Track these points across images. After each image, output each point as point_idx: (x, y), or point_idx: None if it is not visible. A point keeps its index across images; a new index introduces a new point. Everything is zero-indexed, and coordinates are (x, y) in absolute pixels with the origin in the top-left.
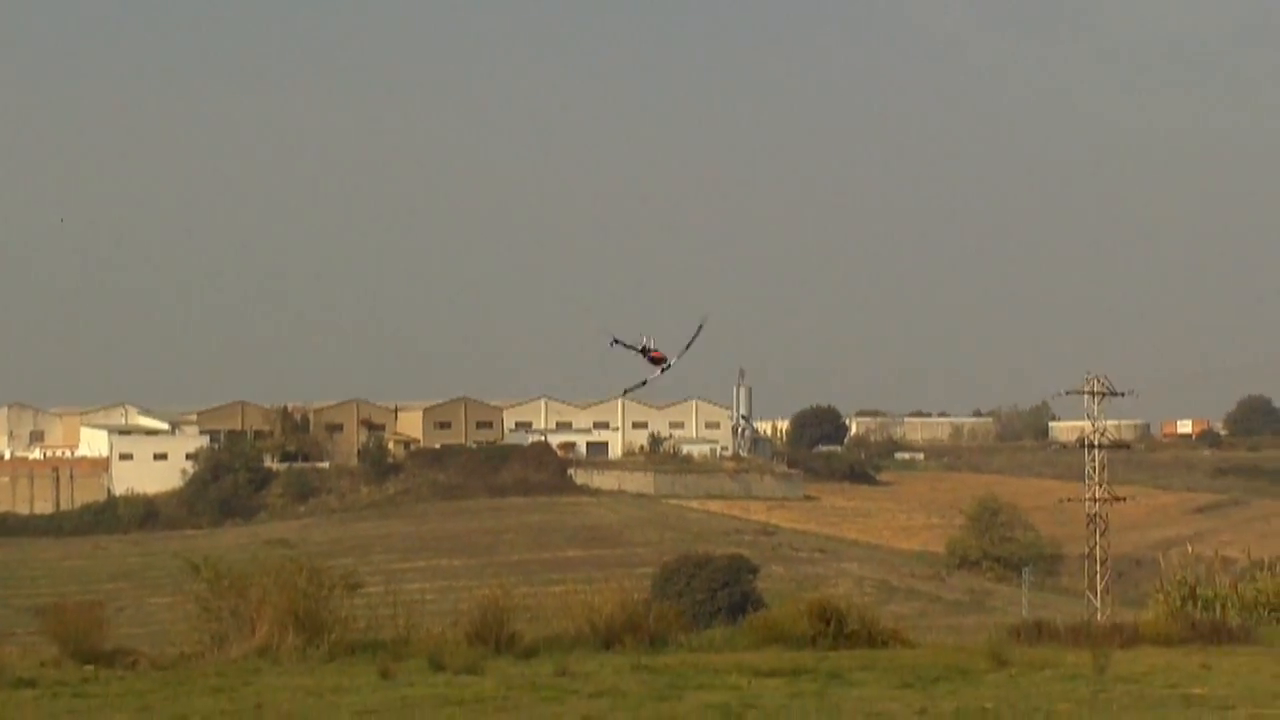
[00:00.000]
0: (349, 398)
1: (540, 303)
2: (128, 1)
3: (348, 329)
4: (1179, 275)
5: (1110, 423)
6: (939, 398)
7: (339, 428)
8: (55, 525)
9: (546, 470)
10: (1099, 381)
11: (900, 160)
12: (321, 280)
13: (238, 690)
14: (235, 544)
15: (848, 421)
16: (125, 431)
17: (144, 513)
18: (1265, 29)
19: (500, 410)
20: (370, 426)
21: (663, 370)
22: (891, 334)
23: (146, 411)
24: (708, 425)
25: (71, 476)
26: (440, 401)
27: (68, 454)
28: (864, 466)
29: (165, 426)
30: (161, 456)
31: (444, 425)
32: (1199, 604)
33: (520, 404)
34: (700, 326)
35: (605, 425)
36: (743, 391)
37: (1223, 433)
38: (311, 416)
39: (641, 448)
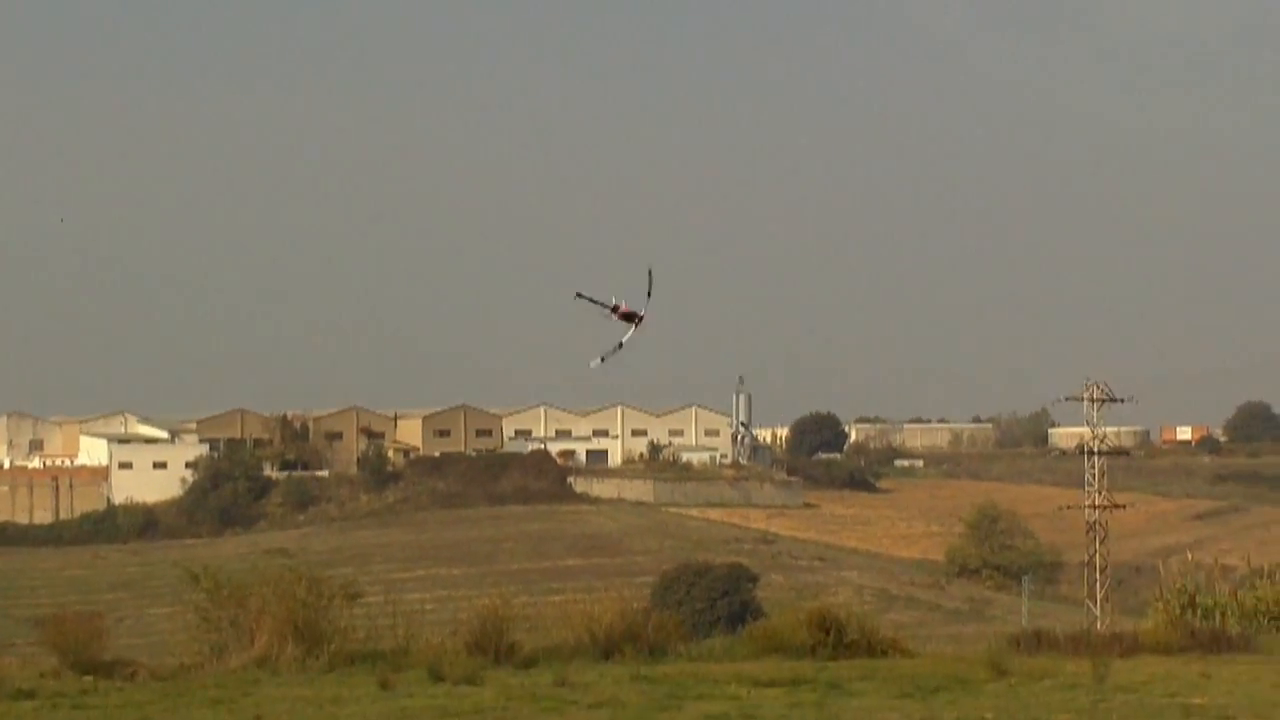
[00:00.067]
0: (348, 405)
1: (539, 309)
2: (123, 5)
3: (347, 336)
4: (1178, 280)
5: (1110, 429)
6: (938, 404)
7: (338, 436)
8: (55, 535)
9: (546, 478)
10: (1098, 388)
11: (898, 165)
12: (320, 287)
13: (237, 701)
14: (235, 553)
15: (847, 428)
16: (124, 440)
17: (143, 522)
18: (1265, 29)
19: (499, 418)
20: (370, 434)
21: (636, 325)
22: (891, 340)
23: (146, 420)
24: (707, 433)
25: (71, 485)
26: (440, 409)
27: (67, 463)
28: (864, 474)
29: (164, 435)
30: (161, 465)
31: (443, 433)
32: (1199, 612)
33: (520, 412)
34: (649, 272)
35: (605, 433)
36: (742, 399)
37: (1222, 439)
38: (311, 424)
39: (641, 455)
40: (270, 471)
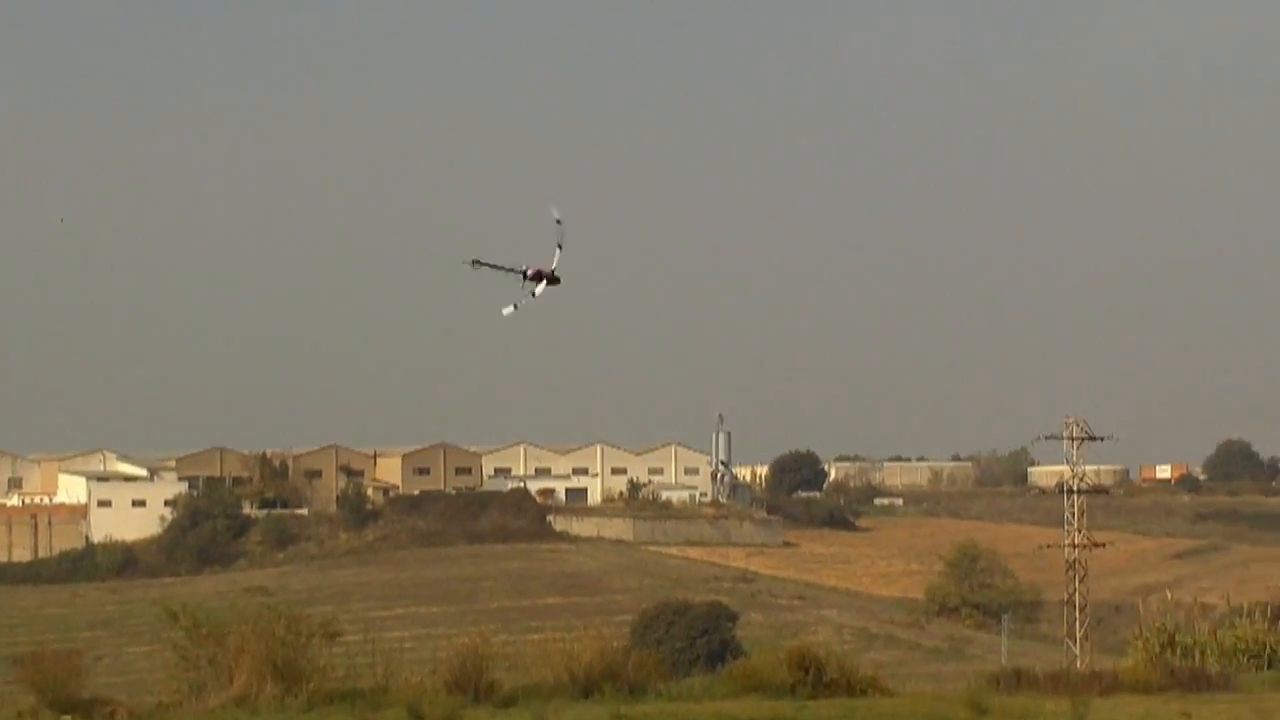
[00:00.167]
0: (328, 443)
1: (519, 348)
2: (105, 38)
3: (326, 374)
4: (1158, 319)
5: (1089, 467)
6: (918, 442)
7: (318, 474)
8: (33, 573)
9: (525, 517)
10: (1078, 426)
11: (878, 206)
12: (299, 326)
13: None
14: (214, 591)
15: (827, 467)
16: (103, 478)
17: (122, 560)
18: (1248, 69)
19: (479, 456)
20: (349, 473)
21: (549, 282)
22: (870, 378)
23: (125, 458)
24: (687, 471)
25: (50, 523)
26: (419, 447)
27: (46, 501)
28: (843, 512)
29: (143, 473)
30: (140, 503)
31: (423, 471)
32: (1178, 651)
33: (499, 450)
34: (559, 221)
35: (584, 471)
36: (722, 437)
37: (1202, 477)
38: (290, 463)
39: (620, 494)
40: (249, 510)
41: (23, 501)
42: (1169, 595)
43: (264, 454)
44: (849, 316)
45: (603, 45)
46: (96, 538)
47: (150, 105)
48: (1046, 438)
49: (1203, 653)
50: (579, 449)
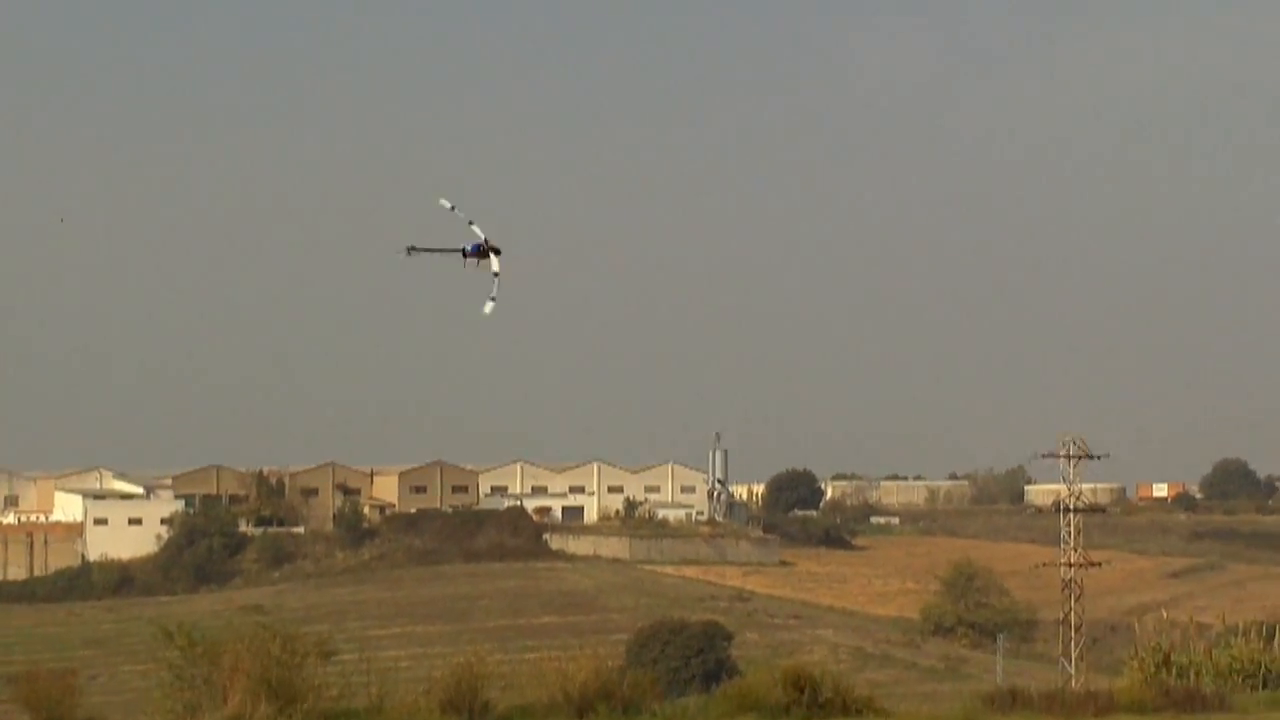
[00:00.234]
0: (324, 461)
1: (515, 366)
2: (98, 55)
3: (323, 393)
4: (1155, 337)
5: (1086, 486)
6: (915, 461)
7: (314, 492)
8: (29, 591)
9: (522, 535)
10: (1074, 444)
11: (874, 225)
12: (295, 343)
13: None
14: (210, 610)
15: (823, 485)
16: (100, 496)
17: (118, 578)
18: (1244, 95)
19: (475, 474)
20: (345, 491)
21: (495, 254)
22: (867, 397)
23: (121, 476)
24: (683, 489)
25: (46, 541)
26: (415, 465)
27: (42, 519)
28: (839, 531)
29: (140, 491)
30: (136, 521)
31: (419, 489)
32: (1174, 670)
33: (496, 468)
34: (452, 209)
35: (581, 489)
36: (718, 455)
37: (1198, 496)
38: (287, 481)
39: (617, 512)
40: (246, 528)
41: (19, 519)
42: (1165, 614)
43: (260, 472)
44: (845, 335)
45: (593, 76)
46: (92, 556)
47: (149, 119)
48: (1043, 456)
49: (1198, 673)
50: (575, 467)
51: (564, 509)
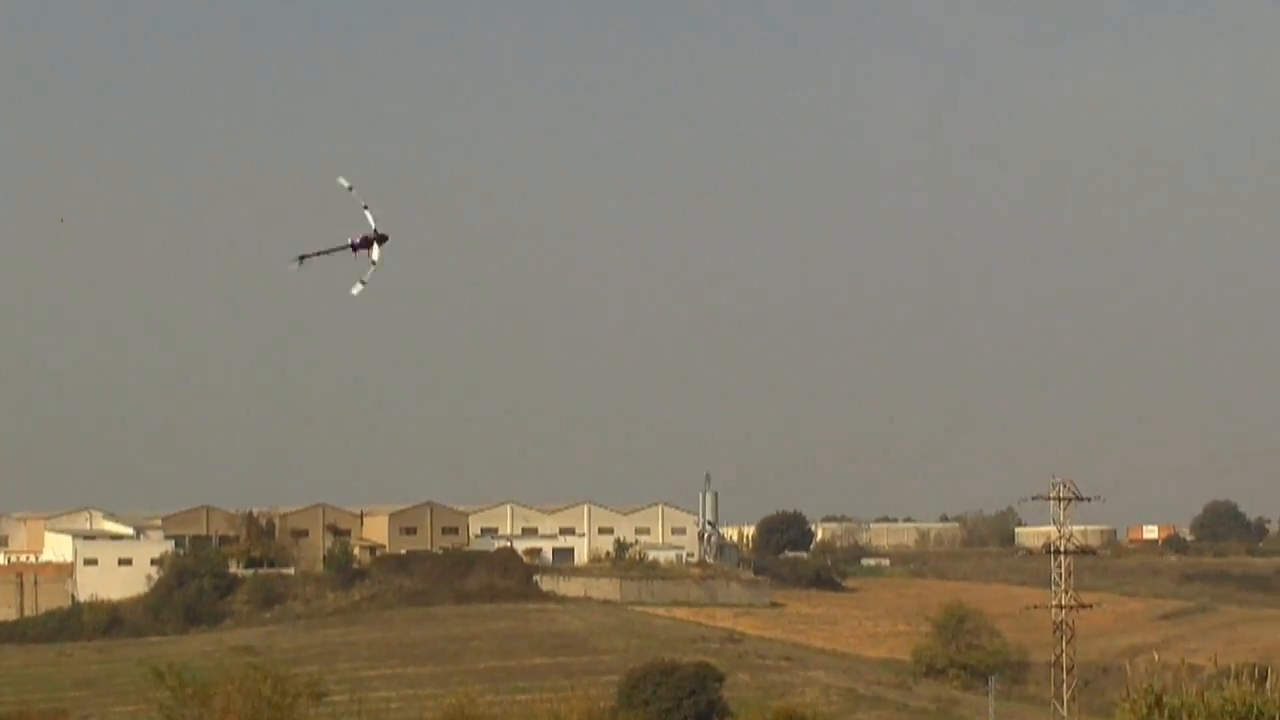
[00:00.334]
0: (314, 502)
1: (505, 407)
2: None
3: (313, 433)
4: (1145, 380)
5: (1076, 528)
6: (905, 503)
7: (304, 533)
8: (19, 631)
9: (512, 576)
10: (1065, 486)
11: (866, 271)
12: (286, 384)
13: None
14: (200, 651)
15: (814, 527)
16: (90, 536)
17: (108, 619)
18: (1241, 137)
19: (466, 515)
20: (336, 532)
21: (380, 243)
22: (857, 439)
23: (111, 516)
24: (674, 531)
25: (35, 582)
26: (406, 506)
27: (32, 559)
28: (830, 573)
29: (130, 531)
30: (126, 562)
31: (409, 530)
32: (1166, 713)
33: (486, 509)
34: (350, 189)
35: (571, 531)
36: (709, 497)
37: (1189, 538)
38: (277, 521)
39: (607, 554)
40: (236, 569)
41: (8, 560)
42: (1156, 656)
43: (250, 513)
44: (836, 377)
45: (581, 114)
46: (82, 596)
47: (121, 165)
48: (1033, 498)
49: (1190, 714)
50: (566, 509)
51: (554, 550)
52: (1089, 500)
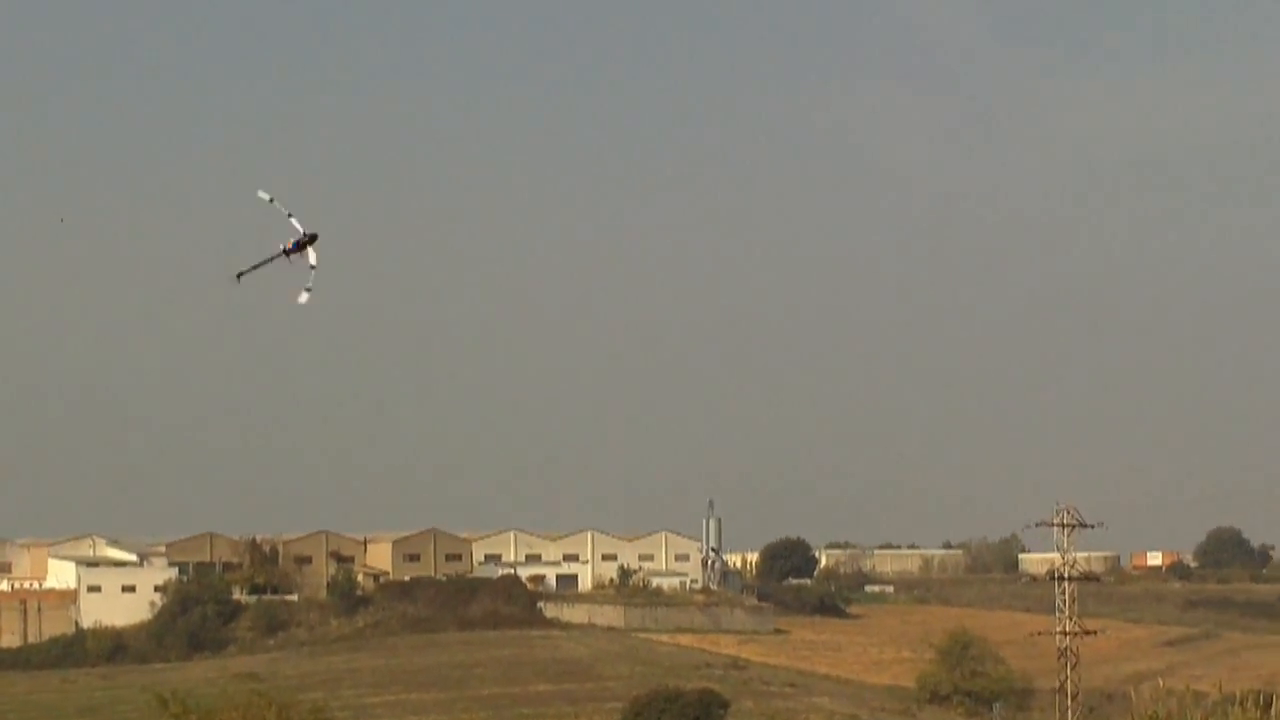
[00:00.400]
0: (318, 529)
1: (509, 434)
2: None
3: (316, 460)
4: (1149, 406)
5: (1080, 554)
6: (909, 529)
7: (308, 560)
8: (23, 658)
9: (516, 603)
10: (1069, 513)
11: (867, 295)
12: (290, 411)
13: None
14: (204, 677)
15: (817, 554)
16: (93, 563)
17: (112, 646)
18: (1237, 153)
19: (469, 542)
20: (339, 558)
21: (312, 244)
22: (861, 465)
23: (114, 543)
24: (677, 557)
25: (39, 609)
26: (409, 533)
27: (35, 586)
28: (834, 599)
29: (133, 558)
30: (130, 588)
31: (413, 557)
32: None
33: (489, 536)
34: (270, 201)
35: (575, 558)
36: (712, 523)
37: (1193, 564)
38: (280, 548)
39: (611, 580)
40: (240, 595)
41: (12, 586)
42: (1161, 683)
43: (254, 539)
44: (840, 404)
45: (577, 131)
46: (86, 623)
47: (133, 195)
48: (1037, 525)
49: None
50: (570, 535)
51: (558, 577)
52: (1092, 527)
